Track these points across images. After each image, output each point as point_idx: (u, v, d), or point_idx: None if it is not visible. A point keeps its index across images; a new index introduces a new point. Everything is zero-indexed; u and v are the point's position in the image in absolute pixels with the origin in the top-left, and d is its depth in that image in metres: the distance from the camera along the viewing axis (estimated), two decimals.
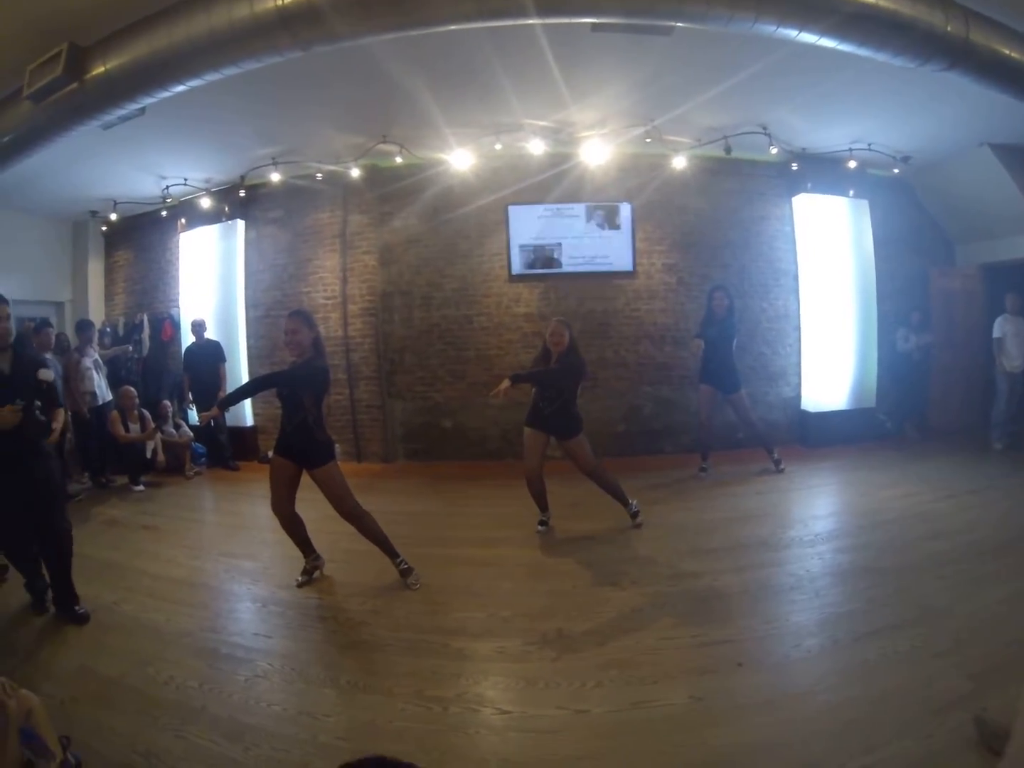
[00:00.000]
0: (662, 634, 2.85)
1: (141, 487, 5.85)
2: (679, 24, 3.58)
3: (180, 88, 3.82)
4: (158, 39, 3.54)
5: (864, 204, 6.89)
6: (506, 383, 3.81)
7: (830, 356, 6.75)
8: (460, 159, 6.28)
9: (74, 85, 3.81)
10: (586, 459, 4.18)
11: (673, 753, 2.06)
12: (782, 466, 5.62)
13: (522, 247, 6.64)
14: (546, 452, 4.22)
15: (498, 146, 5.96)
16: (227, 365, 6.75)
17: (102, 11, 3.57)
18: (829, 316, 6.74)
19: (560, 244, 6.63)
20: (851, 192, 6.78)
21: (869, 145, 6.26)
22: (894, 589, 3.17)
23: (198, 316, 6.86)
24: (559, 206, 6.60)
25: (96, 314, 7.86)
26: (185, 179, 6.82)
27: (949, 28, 3.57)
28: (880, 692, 2.30)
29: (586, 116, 5.55)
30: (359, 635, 2.98)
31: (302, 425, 3.33)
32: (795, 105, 5.29)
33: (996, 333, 6.31)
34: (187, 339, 7.08)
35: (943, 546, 3.71)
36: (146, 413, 6.14)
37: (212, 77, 3.73)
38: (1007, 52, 3.82)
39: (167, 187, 6.94)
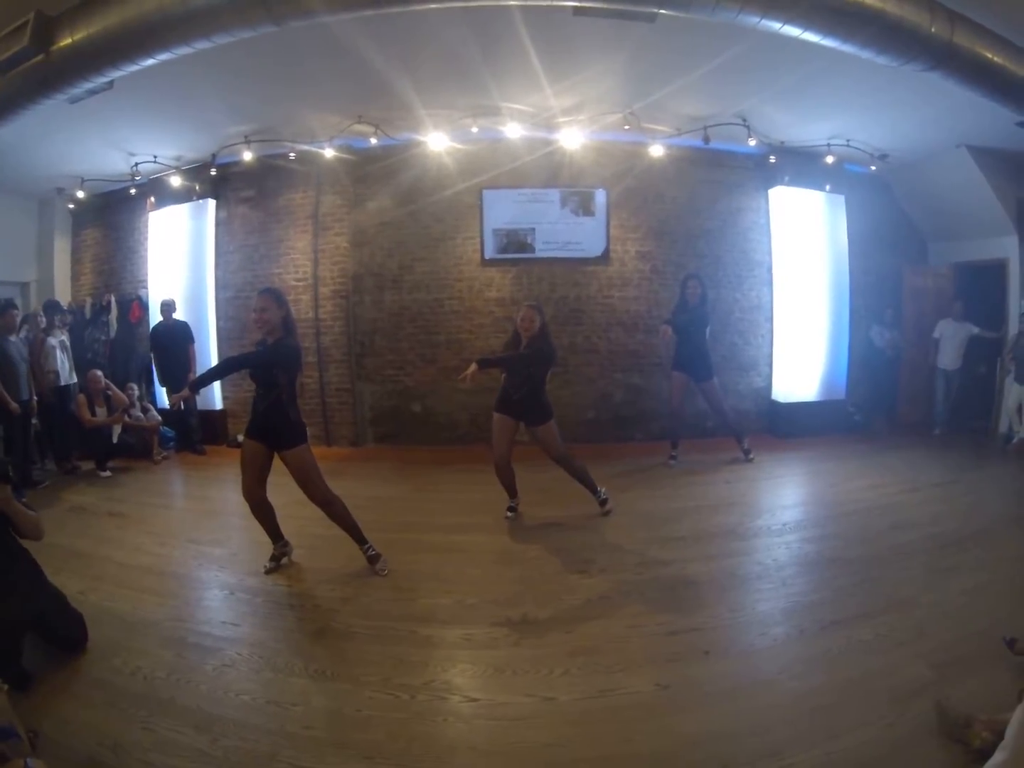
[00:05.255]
0: (629, 622, 2.88)
1: (108, 472, 5.71)
2: (663, 11, 3.54)
3: (150, 61, 3.69)
4: (128, 9, 3.40)
5: (840, 199, 6.95)
6: (473, 367, 3.80)
7: (801, 348, 6.84)
8: (436, 142, 6.21)
9: (40, 57, 3.65)
10: (555, 445, 4.19)
11: (640, 740, 2.09)
12: (751, 455, 5.70)
13: (496, 231, 6.61)
14: (515, 438, 4.22)
15: (475, 129, 5.89)
16: (196, 347, 6.60)
17: None
18: (801, 308, 6.81)
19: (534, 229, 6.62)
20: (828, 187, 6.84)
21: (847, 141, 6.30)
22: (860, 579, 3.24)
23: (168, 296, 6.70)
24: (534, 191, 6.58)
25: (62, 295, 7.63)
26: (155, 156, 6.63)
27: (934, 29, 3.57)
28: (844, 680, 2.35)
29: (564, 101, 5.49)
30: (327, 623, 2.97)
31: (275, 404, 3.29)
32: (774, 97, 5.29)
33: (935, 334, 6.89)
34: (153, 319, 6.93)
35: (908, 537, 3.79)
36: (111, 392, 5.96)
37: (183, 51, 3.60)
38: (990, 56, 3.84)
39: (136, 164, 6.73)
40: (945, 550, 3.59)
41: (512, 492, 4.36)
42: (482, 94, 5.25)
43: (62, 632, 2.68)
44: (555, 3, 3.51)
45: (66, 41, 3.60)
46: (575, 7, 3.69)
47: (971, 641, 2.58)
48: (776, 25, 3.48)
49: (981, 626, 2.69)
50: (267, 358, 3.32)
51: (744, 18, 3.43)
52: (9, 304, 5.51)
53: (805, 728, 2.09)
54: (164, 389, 6.63)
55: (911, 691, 2.24)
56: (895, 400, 7.45)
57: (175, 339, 6.51)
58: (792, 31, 3.52)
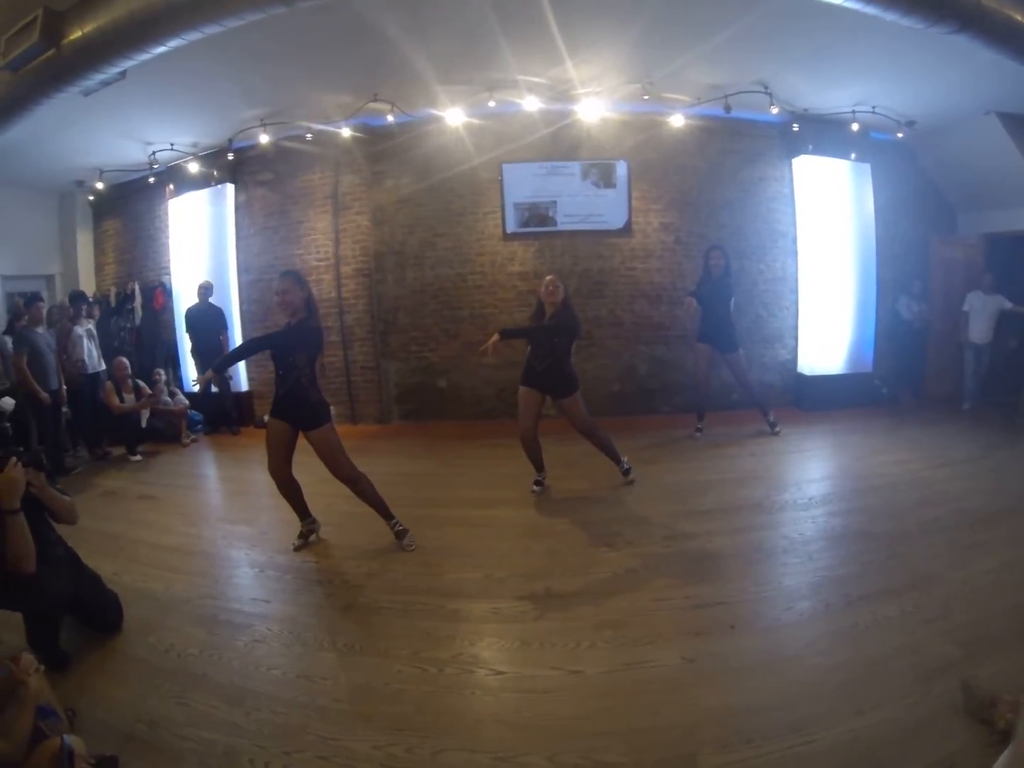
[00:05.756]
0: (655, 595, 2.88)
1: (138, 457, 5.83)
2: None
3: (160, 49, 3.70)
4: None
5: (866, 168, 6.77)
6: (495, 338, 3.82)
7: (827, 320, 6.72)
8: (453, 117, 6.16)
9: (51, 51, 3.72)
10: (581, 417, 4.20)
11: (665, 713, 2.09)
12: (777, 428, 5.64)
13: (517, 205, 6.56)
14: (541, 411, 4.22)
15: (492, 103, 5.81)
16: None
17: None
18: (827, 280, 6.68)
19: (555, 202, 6.55)
20: (853, 155, 6.65)
21: (873, 108, 6.10)
22: (886, 555, 3.20)
23: (206, 280, 6.77)
24: (554, 164, 6.50)
25: (87, 285, 7.76)
26: (171, 144, 6.66)
27: None
28: (870, 657, 2.33)
29: (582, 72, 5.39)
30: (356, 598, 3.01)
31: (296, 386, 3.31)
32: (797, 64, 5.14)
33: (965, 307, 6.67)
34: (177, 305, 7.11)
35: (935, 513, 3.72)
36: (141, 383, 6.11)
37: (193, 36, 3.60)
38: (1019, 18, 3.70)
39: (153, 153, 6.77)
40: (973, 527, 3.52)
41: (539, 466, 4.36)
42: (499, 67, 5.17)
43: (98, 613, 2.75)
44: None
45: (76, 34, 3.65)
46: None
47: (998, 620, 2.53)
48: None
49: (1009, 604, 2.64)
50: (290, 338, 3.34)
51: None
52: (35, 297, 5.61)
53: (830, 704, 2.08)
54: (194, 367, 6.71)
55: (937, 669, 2.21)
56: (923, 374, 7.26)
57: (209, 322, 6.61)
58: None
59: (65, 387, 5.61)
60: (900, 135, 6.54)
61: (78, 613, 2.66)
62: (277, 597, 3.08)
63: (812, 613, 2.69)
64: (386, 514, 3.54)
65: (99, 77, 4.03)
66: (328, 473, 3.44)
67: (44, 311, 5.59)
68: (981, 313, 6.59)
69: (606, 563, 3.24)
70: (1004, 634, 2.42)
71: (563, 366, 4.11)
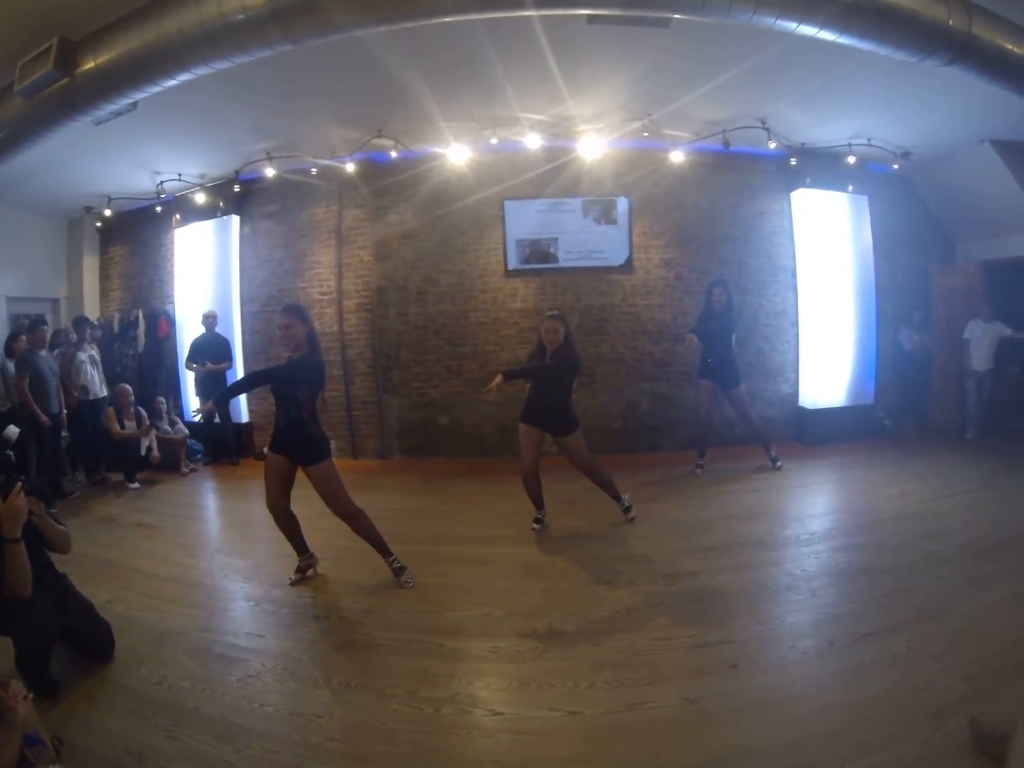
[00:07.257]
0: (657, 634, 2.83)
1: (136, 484, 5.82)
2: (677, 16, 3.53)
3: (170, 83, 3.80)
4: (148, 33, 3.51)
5: (863, 200, 6.85)
6: (498, 379, 3.80)
7: (828, 353, 6.73)
8: (456, 153, 6.25)
9: (65, 80, 3.80)
10: (581, 455, 4.17)
11: (666, 756, 2.05)
12: (779, 463, 5.60)
13: (519, 242, 6.61)
14: (541, 448, 4.19)
15: (494, 140, 5.92)
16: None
17: (92, 4, 3.53)
18: (827, 313, 6.70)
19: (557, 239, 6.60)
20: (850, 188, 6.74)
21: (869, 140, 6.21)
22: (891, 589, 3.15)
23: (210, 309, 6.80)
24: (556, 201, 6.57)
25: (91, 310, 7.83)
26: (179, 174, 6.77)
27: (951, 22, 3.54)
28: (876, 694, 2.28)
29: (583, 110, 5.51)
30: (352, 635, 2.97)
31: (296, 421, 3.30)
32: (794, 99, 5.24)
33: (965, 335, 6.74)
34: (180, 334, 7.14)
35: (940, 546, 3.68)
36: (142, 411, 6.12)
37: (202, 71, 3.69)
38: (1010, 47, 3.79)
39: (161, 182, 6.90)
40: (980, 558, 3.48)
41: (539, 504, 4.33)
42: (502, 105, 5.27)
43: (90, 641, 2.72)
44: (570, 11, 3.52)
45: (89, 65, 3.73)
46: (589, 16, 3.70)
47: (1008, 653, 2.49)
48: (792, 25, 3.46)
49: (1019, 637, 2.60)
50: (292, 372, 3.35)
51: (759, 19, 3.41)
52: (39, 320, 5.66)
53: (836, 744, 2.03)
54: (199, 399, 6.71)
55: (945, 705, 2.16)
56: (925, 404, 7.27)
57: (214, 353, 6.63)
58: (808, 30, 3.50)
59: (65, 411, 5.62)
60: (896, 166, 6.66)
61: (69, 640, 2.64)
62: (272, 632, 3.04)
63: (816, 651, 2.64)
64: (384, 551, 3.50)
65: (111, 108, 4.11)
66: (327, 508, 3.42)
67: (47, 335, 5.63)
68: (981, 341, 6.64)
69: (606, 602, 3.19)
70: (1015, 668, 2.38)
71: (565, 404, 4.09)
